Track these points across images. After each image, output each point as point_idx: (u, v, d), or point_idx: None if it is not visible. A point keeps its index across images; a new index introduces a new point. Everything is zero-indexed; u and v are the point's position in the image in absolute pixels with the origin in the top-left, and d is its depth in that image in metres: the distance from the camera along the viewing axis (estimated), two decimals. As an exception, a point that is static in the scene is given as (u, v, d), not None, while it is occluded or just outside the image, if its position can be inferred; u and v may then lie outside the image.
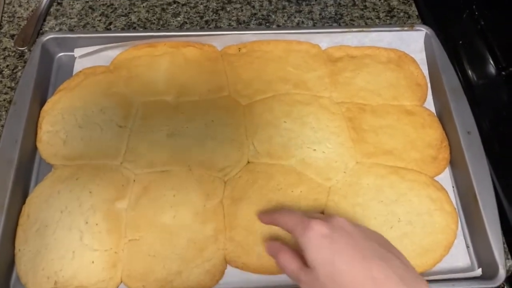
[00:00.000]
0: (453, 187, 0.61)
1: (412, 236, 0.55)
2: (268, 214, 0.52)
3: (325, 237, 0.42)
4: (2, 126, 0.60)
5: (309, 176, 0.58)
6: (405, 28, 0.70)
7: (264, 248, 0.51)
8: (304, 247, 0.43)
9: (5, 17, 0.75)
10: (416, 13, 0.79)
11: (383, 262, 0.41)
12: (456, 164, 0.61)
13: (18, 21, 0.75)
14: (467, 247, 0.56)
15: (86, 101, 0.63)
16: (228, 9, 0.78)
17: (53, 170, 0.59)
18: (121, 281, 0.52)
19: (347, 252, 0.41)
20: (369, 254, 0.41)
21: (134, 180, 0.58)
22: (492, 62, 0.74)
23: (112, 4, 0.78)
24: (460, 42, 0.76)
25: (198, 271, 0.53)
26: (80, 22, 0.76)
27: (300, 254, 0.44)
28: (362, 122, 0.63)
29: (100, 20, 0.76)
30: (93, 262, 0.52)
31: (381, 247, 0.43)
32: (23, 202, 0.56)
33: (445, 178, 0.61)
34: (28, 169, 0.59)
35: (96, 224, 0.54)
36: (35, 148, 0.60)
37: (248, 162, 0.60)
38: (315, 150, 0.60)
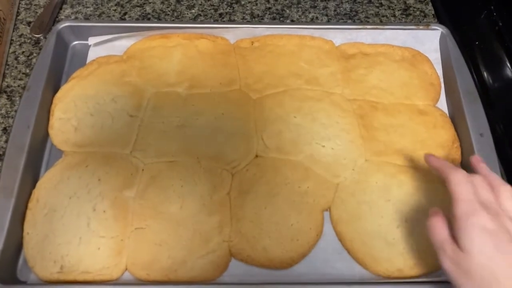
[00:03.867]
0: (463, 189, 0.60)
1: (418, 237, 0.54)
2: (438, 160, 0.50)
3: (489, 232, 0.41)
4: (16, 111, 0.61)
5: (317, 172, 0.58)
6: (421, 27, 0.69)
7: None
8: (463, 228, 0.42)
9: (22, 4, 0.76)
10: (433, 12, 0.78)
11: None
12: (467, 166, 0.60)
13: (35, 9, 0.76)
14: (475, 250, 0.56)
15: (99, 90, 0.64)
16: (242, 2, 0.78)
17: (64, 156, 0.60)
18: (126, 269, 0.53)
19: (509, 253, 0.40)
20: None
21: (142, 169, 0.58)
22: (509, 64, 0.72)
23: (128, -6, 0.79)
24: (477, 43, 0.74)
25: (203, 261, 0.53)
26: (96, 11, 0.76)
27: (450, 222, 0.44)
28: (373, 120, 0.62)
29: (115, 10, 0.76)
30: (99, 248, 0.53)
31: None
32: (33, 187, 0.56)
33: (455, 179, 0.60)
34: (39, 155, 0.60)
35: (104, 211, 0.54)
36: (46, 134, 0.61)
37: (257, 156, 0.60)
38: (324, 146, 0.60)
